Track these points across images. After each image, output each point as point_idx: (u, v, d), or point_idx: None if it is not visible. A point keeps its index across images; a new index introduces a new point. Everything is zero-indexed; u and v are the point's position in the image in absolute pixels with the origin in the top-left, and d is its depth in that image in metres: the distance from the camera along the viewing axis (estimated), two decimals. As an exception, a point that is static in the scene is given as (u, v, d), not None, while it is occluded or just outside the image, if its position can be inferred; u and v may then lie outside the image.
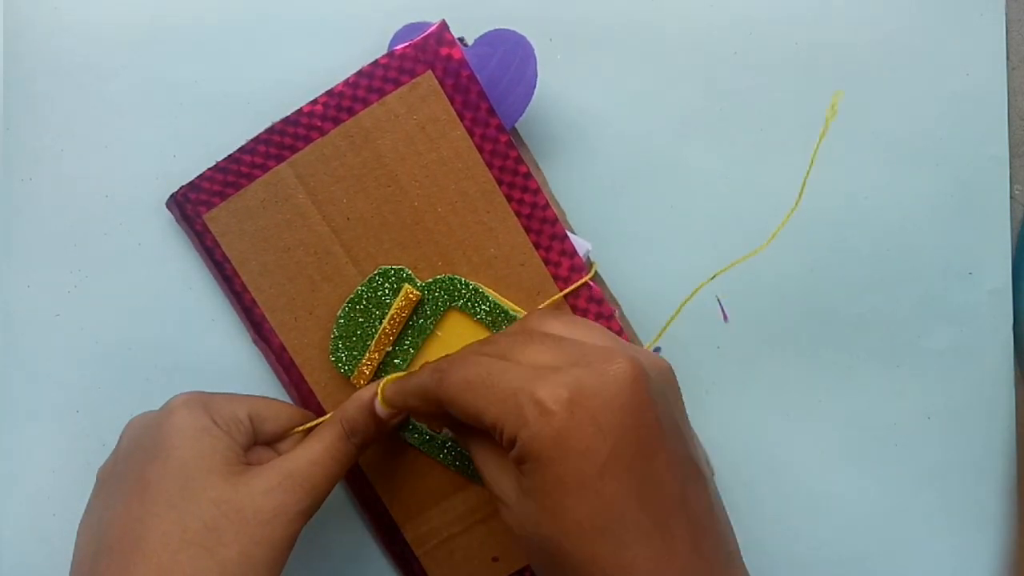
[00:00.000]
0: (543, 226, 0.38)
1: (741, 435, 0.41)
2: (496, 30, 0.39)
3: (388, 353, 0.39)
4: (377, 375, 0.39)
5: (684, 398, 0.32)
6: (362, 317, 0.39)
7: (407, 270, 0.38)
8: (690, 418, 0.33)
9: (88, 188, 0.41)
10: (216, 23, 0.41)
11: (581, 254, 0.38)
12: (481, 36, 0.39)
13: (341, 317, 0.39)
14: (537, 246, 0.38)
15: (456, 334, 0.39)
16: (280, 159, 0.38)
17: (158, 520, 0.31)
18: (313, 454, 0.34)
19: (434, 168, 0.38)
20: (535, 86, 0.38)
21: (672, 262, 0.41)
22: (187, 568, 0.31)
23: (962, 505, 0.41)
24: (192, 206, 0.39)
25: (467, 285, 0.38)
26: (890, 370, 0.41)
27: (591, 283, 0.38)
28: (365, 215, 0.38)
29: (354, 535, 0.42)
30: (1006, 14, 0.41)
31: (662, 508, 0.28)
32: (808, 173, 0.39)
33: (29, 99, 0.41)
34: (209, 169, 0.38)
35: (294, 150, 0.38)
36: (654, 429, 0.29)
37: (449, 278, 0.38)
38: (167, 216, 0.40)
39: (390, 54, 0.37)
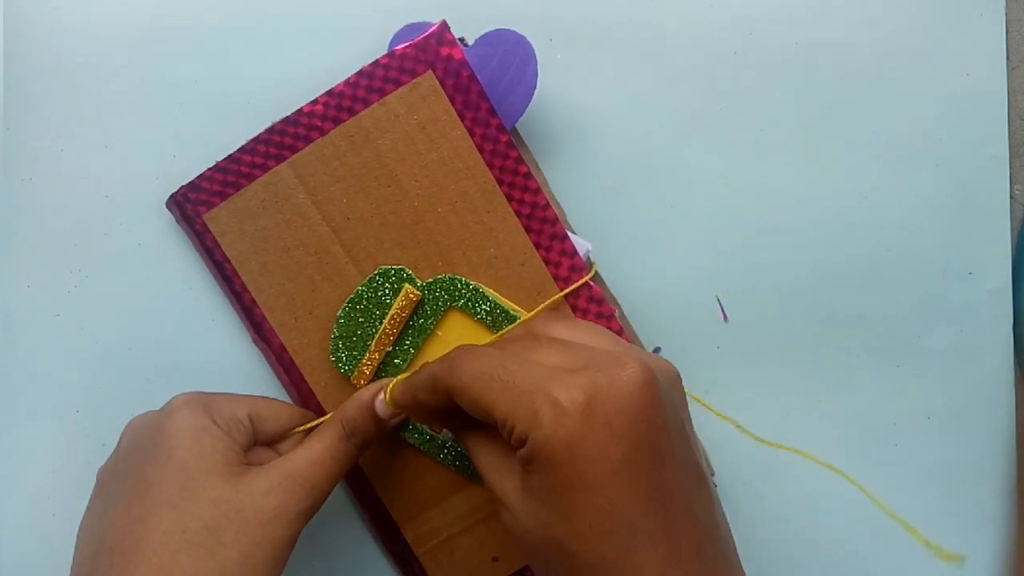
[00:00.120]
0: (543, 226, 0.38)
1: (741, 435, 0.41)
2: (496, 30, 0.39)
3: (388, 353, 0.39)
4: (377, 375, 0.39)
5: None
6: (362, 317, 0.39)
7: (407, 270, 0.38)
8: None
9: (88, 188, 0.41)
10: (216, 23, 0.41)
11: (581, 254, 0.38)
12: (481, 36, 0.39)
13: (341, 317, 0.39)
14: (537, 246, 0.38)
15: (456, 334, 0.39)
16: (280, 159, 0.38)
17: (158, 520, 0.31)
18: (313, 454, 0.34)
19: (434, 168, 0.38)
20: (535, 86, 0.38)
21: (672, 262, 0.41)
22: (187, 568, 0.31)
23: (962, 505, 0.41)
24: (192, 206, 0.39)
25: (467, 285, 0.38)
26: (890, 370, 0.41)
27: (591, 283, 0.38)
28: (365, 215, 0.38)
29: (354, 535, 0.42)
30: (1006, 14, 0.41)
31: (669, 513, 0.28)
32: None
33: (29, 99, 0.41)
34: (209, 169, 0.38)
35: (294, 150, 0.38)
36: (663, 434, 0.29)
37: (449, 278, 0.38)
38: (167, 216, 0.40)
39: (390, 54, 0.37)
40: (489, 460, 0.31)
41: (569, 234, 0.38)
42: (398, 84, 0.37)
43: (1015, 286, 0.41)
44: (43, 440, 0.42)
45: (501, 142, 0.37)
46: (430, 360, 0.39)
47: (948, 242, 0.41)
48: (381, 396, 0.36)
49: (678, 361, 0.34)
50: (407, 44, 0.37)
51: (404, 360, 0.39)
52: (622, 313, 0.40)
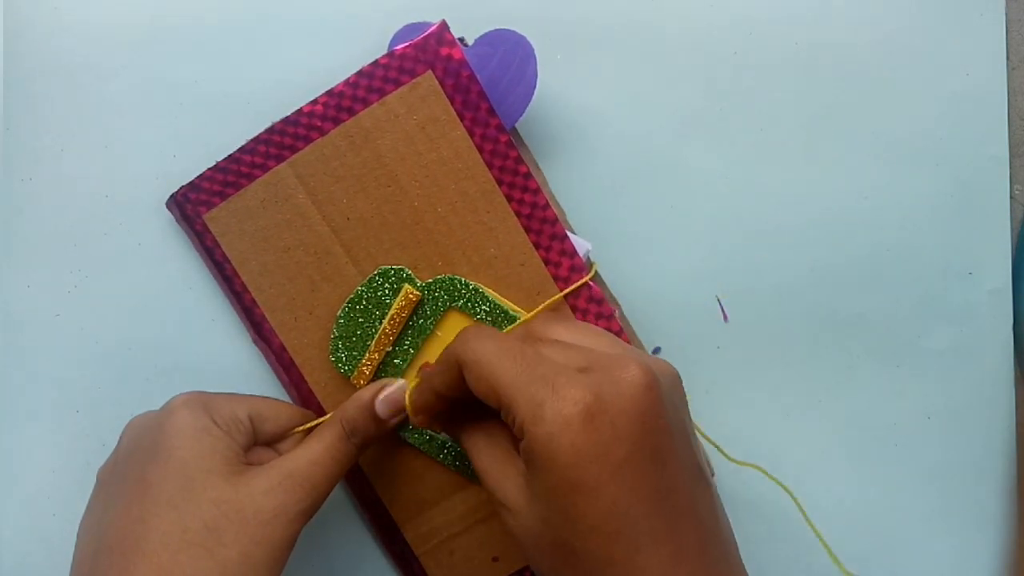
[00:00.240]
0: (543, 226, 0.38)
1: (741, 435, 0.41)
2: (496, 30, 0.39)
3: (388, 353, 0.39)
4: (377, 375, 0.39)
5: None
6: (362, 317, 0.39)
7: (407, 270, 0.38)
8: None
9: (88, 188, 0.41)
10: (216, 23, 0.41)
11: (581, 254, 0.38)
12: (481, 36, 0.39)
13: (341, 317, 0.39)
14: (537, 246, 0.38)
15: (456, 334, 0.39)
16: (280, 159, 0.38)
17: (158, 520, 0.31)
18: (313, 454, 0.34)
19: (434, 168, 0.38)
20: (535, 86, 0.38)
21: (672, 262, 0.41)
22: (187, 568, 0.31)
23: (962, 505, 0.41)
24: (192, 206, 0.39)
25: (467, 285, 0.38)
26: (890, 370, 0.41)
27: (591, 283, 0.38)
28: (365, 215, 0.38)
29: (354, 535, 0.42)
30: (1006, 14, 0.41)
31: (673, 512, 0.28)
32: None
33: (29, 99, 0.41)
34: (209, 169, 0.38)
35: (294, 150, 0.38)
36: (665, 435, 0.29)
37: (449, 278, 0.38)
38: (167, 216, 0.40)
39: (390, 54, 0.37)
40: (490, 463, 0.31)
41: (569, 234, 0.38)
42: (398, 84, 0.37)
43: (1015, 286, 0.41)
44: (43, 440, 0.42)
45: (501, 142, 0.37)
46: (430, 360, 0.39)
47: (948, 242, 0.41)
48: (381, 396, 0.36)
49: (678, 361, 0.34)
50: (407, 44, 0.37)
51: (404, 360, 0.39)
52: (622, 313, 0.40)
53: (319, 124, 0.38)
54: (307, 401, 0.40)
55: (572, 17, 0.41)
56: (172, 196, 0.39)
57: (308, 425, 0.38)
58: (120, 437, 0.36)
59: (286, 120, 0.38)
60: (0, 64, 0.41)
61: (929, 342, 0.41)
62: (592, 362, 0.30)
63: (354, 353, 0.39)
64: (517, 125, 0.39)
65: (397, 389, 0.36)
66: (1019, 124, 0.41)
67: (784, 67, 0.41)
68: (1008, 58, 0.41)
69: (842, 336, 0.41)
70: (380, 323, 0.38)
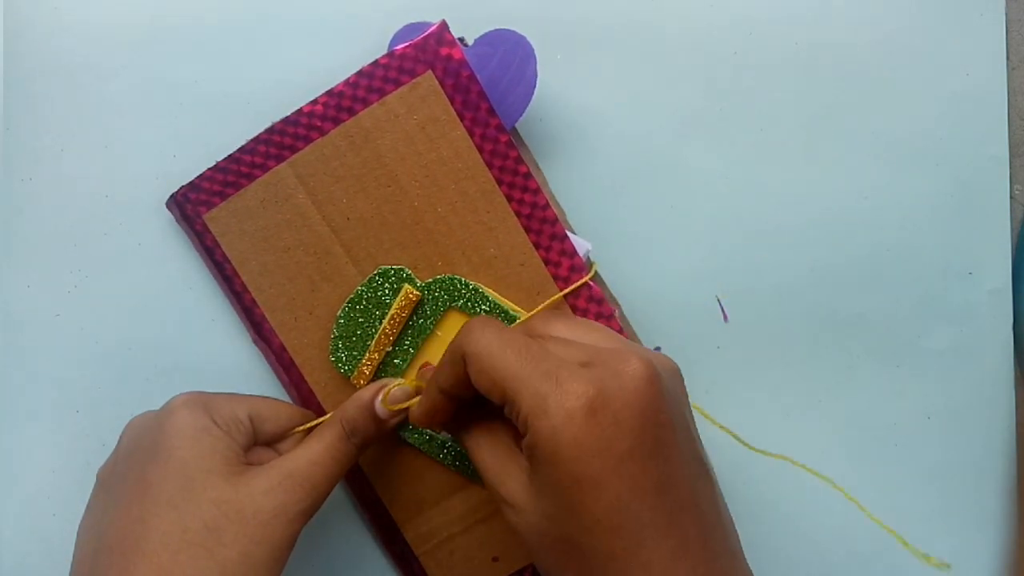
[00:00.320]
0: (543, 226, 0.38)
1: (741, 435, 0.41)
2: (496, 30, 0.39)
3: (388, 353, 0.39)
4: (377, 375, 0.39)
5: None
6: (362, 317, 0.39)
7: (407, 270, 0.38)
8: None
9: (88, 188, 0.41)
10: (216, 23, 0.41)
11: (581, 254, 0.38)
12: (481, 36, 0.39)
13: (341, 317, 0.39)
14: (537, 246, 0.38)
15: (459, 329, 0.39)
16: (280, 159, 0.38)
17: (158, 520, 0.31)
18: (313, 454, 0.34)
19: (434, 168, 0.38)
20: (535, 86, 0.38)
21: (672, 262, 0.41)
22: (187, 568, 0.31)
23: (962, 505, 0.41)
24: (192, 206, 0.39)
25: (467, 285, 0.38)
26: (890, 370, 0.41)
27: (591, 283, 0.38)
28: (365, 215, 0.38)
29: (354, 535, 0.42)
30: (1006, 14, 0.41)
31: (676, 506, 0.28)
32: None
33: (29, 99, 0.41)
34: (209, 169, 0.38)
35: (294, 150, 0.38)
36: (667, 429, 0.29)
37: (449, 278, 0.38)
38: (167, 216, 0.40)
39: (390, 54, 0.37)
40: (492, 460, 0.31)
41: (569, 234, 0.38)
42: (398, 84, 0.37)
43: (1015, 286, 0.41)
44: (43, 440, 0.42)
45: (501, 142, 0.37)
46: (430, 360, 0.39)
47: (948, 242, 0.41)
48: (381, 396, 0.36)
49: (678, 361, 0.34)
50: (407, 44, 0.37)
51: (404, 360, 0.39)
52: (622, 313, 0.40)
53: (319, 124, 0.38)
54: (307, 401, 0.40)
55: (572, 17, 0.41)
56: (172, 196, 0.39)
57: (308, 425, 0.38)
58: (120, 437, 0.36)
59: (286, 120, 0.38)
60: (0, 64, 0.41)
61: (929, 342, 0.41)
62: (594, 356, 0.30)
63: (354, 353, 0.39)
64: (517, 125, 0.39)
65: (397, 389, 0.36)
66: (1019, 124, 0.41)
67: (784, 67, 0.41)
68: (1008, 58, 0.41)
69: (842, 336, 0.41)
70: (380, 323, 0.38)
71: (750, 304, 0.41)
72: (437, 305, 0.38)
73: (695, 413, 0.40)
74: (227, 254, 0.39)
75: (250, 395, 0.37)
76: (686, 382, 0.33)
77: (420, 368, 0.39)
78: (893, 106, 0.41)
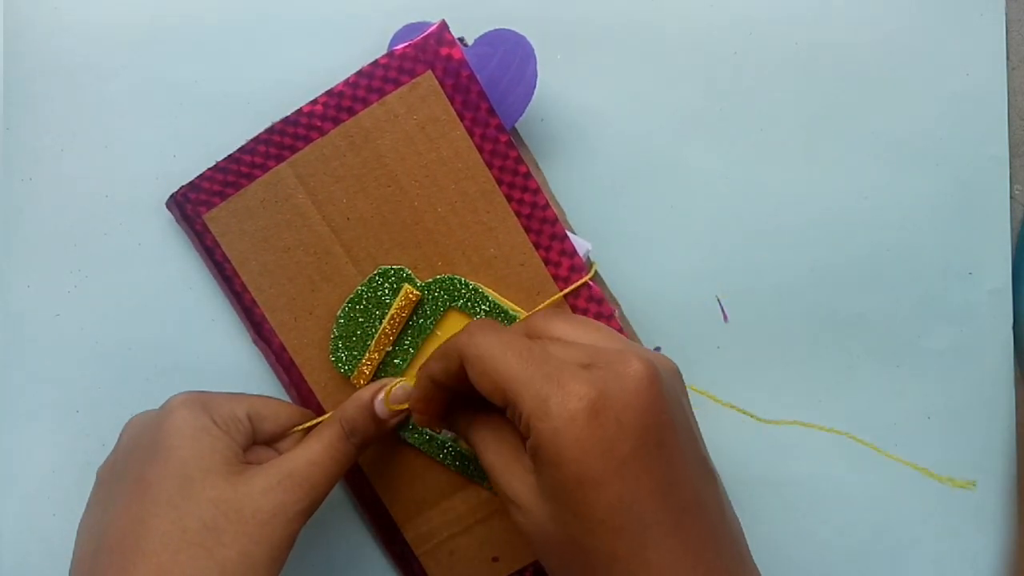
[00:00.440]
0: (543, 226, 0.38)
1: (741, 435, 0.41)
2: (496, 30, 0.39)
3: (388, 353, 0.39)
4: (377, 375, 0.39)
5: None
6: (362, 317, 0.39)
7: (407, 270, 0.38)
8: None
9: (88, 188, 0.41)
10: (216, 23, 0.41)
11: (581, 254, 0.38)
12: (481, 36, 0.39)
13: (341, 317, 0.39)
14: (537, 246, 0.38)
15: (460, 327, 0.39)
16: (280, 159, 0.38)
17: (158, 520, 0.31)
18: (312, 454, 0.34)
19: (434, 168, 0.38)
20: (535, 86, 0.38)
21: (672, 262, 0.41)
22: (187, 568, 0.31)
23: (962, 505, 0.41)
24: (192, 206, 0.39)
25: (467, 285, 0.38)
26: (890, 370, 0.41)
27: (591, 283, 0.38)
28: (365, 215, 0.38)
29: (354, 535, 0.42)
30: (1006, 14, 0.41)
31: (680, 507, 0.28)
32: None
33: (29, 99, 0.41)
34: (209, 169, 0.38)
35: (294, 150, 0.38)
36: (669, 429, 0.29)
37: (449, 278, 0.38)
38: (167, 216, 0.40)
39: (390, 54, 0.37)
40: (498, 460, 0.31)
41: (569, 234, 0.38)
42: (398, 84, 0.37)
43: (1015, 286, 0.41)
44: (43, 440, 0.42)
45: (501, 142, 0.37)
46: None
47: (948, 242, 0.41)
48: (380, 396, 0.36)
49: (678, 361, 0.34)
50: (407, 44, 0.37)
51: (404, 360, 0.39)
52: (622, 313, 0.40)
53: (319, 124, 0.38)
54: (307, 401, 0.40)
55: (572, 17, 0.41)
56: (172, 196, 0.39)
57: (307, 424, 0.38)
58: (119, 436, 0.36)
59: (286, 120, 0.38)
60: (0, 64, 0.41)
61: (929, 342, 0.41)
62: (595, 358, 0.30)
63: (354, 353, 0.39)
64: (517, 125, 0.39)
65: (398, 388, 0.36)
66: (1019, 124, 0.41)
67: (784, 67, 0.41)
68: (1008, 58, 0.41)
69: (842, 336, 0.41)
70: (380, 323, 0.38)
71: (750, 304, 0.41)
72: (437, 305, 0.38)
73: (702, 398, 0.41)
74: (227, 254, 0.39)
75: (249, 394, 0.37)
76: (686, 382, 0.33)
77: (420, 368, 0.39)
78: (893, 106, 0.41)
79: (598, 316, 0.38)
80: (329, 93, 0.37)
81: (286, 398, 0.41)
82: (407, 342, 0.39)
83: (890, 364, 0.41)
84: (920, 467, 0.39)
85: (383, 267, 0.38)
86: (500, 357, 0.30)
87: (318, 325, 0.39)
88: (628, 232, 0.41)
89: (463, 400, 0.33)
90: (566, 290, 0.38)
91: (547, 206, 0.38)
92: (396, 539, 0.40)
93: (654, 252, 0.41)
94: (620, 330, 0.38)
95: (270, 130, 0.38)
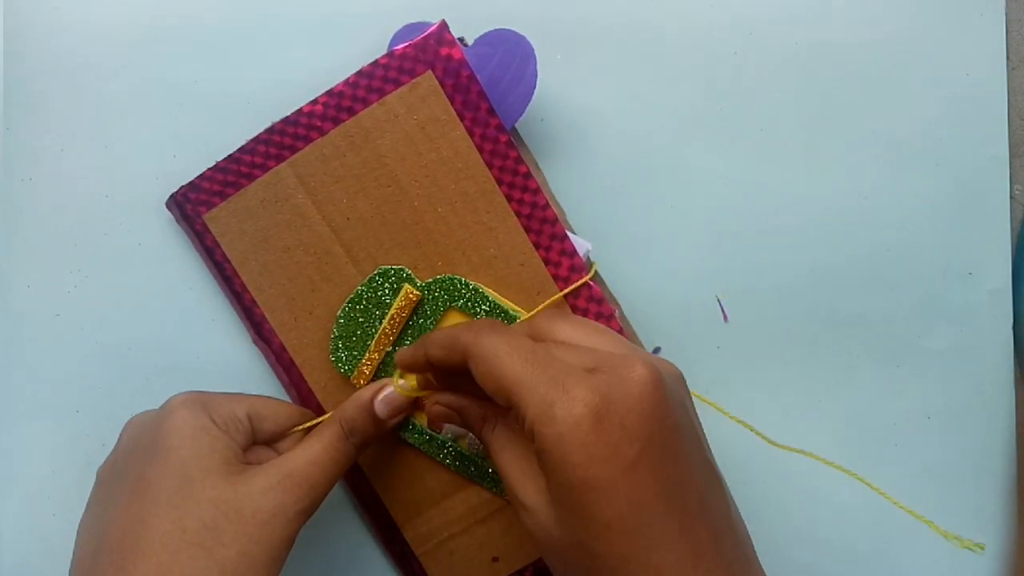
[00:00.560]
0: (543, 226, 0.38)
1: (741, 435, 0.41)
2: (496, 30, 0.39)
3: (388, 353, 0.39)
4: (377, 375, 0.39)
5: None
6: (362, 317, 0.39)
7: (407, 270, 0.38)
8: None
9: (88, 188, 0.41)
10: (216, 23, 0.41)
11: (581, 254, 0.38)
12: (481, 36, 0.39)
13: (341, 317, 0.39)
14: (537, 246, 0.38)
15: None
16: (280, 159, 0.38)
17: (157, 520, 0.31)
18: (312, 454, 0.34)
19: (434, 168, 0.38)
20: (535, 86, 0.38)
21: (672, 262, 0.41)
22: (186, 567, 0.31)
23: (962, 505, 0.41)
24: (192, 206, 0.39)
25: (467, 285, 0.38)
26: (890, 370, 0.41)
27: (591, 283, 0.38)
28: (365, 215, 0.38)
29: (354, 535, 0.42)
30: (1006, 14, 0.41)
31: (686, 511, 0.28)
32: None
33: (29, 99, 0.41)
34: (209, 169, 0.38)
35: (294, 150, 0.38)
36: (674, 433, 0.29)
37: (449, 278, 0.38)
38: (167, 216, 0.40)
39: (390, 54, 0.37)
40: (512, 462, 0.31)
41: (569, 234, 0.38)
42: (398, 84, 0.37)
43: (1015, 286, 0.41)
44: (43, 440, 0.42)
45: (501, 142, 0.37)
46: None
47: (948, 242, 0.41)
48: (380, 396, 0.36)
49: (678, 361, 0.34)
50: (407, 44, 0.37)
51: (404, 360, 0.39)
52: (622, 313, 0.40)
53: (319, 124, 0.38)
54: (307, 401, 0.40)
55: (572, 17, 0.41)
56: (172, 196, 0.39)
57: (307, 424, 0.38)
58: (119, 436, 0.36)
59: (286, 120, 0.38)
60: (0, 64, 0.41)
61: (929, 342, 0.41)
62: (599, 362, 0.30)
63: (354, 353, 0.39)
64: (517, 125, 0.39)
65: (398, 388, 0.36)
66: (1019, 124, 0.41)
67: (784, 67, 0.41)
68: (1008, 58, 0.41)
69: (842, 336, 0.41)
70: (380, 323, 0.38)
71: (750, 304, 0.41)
72: (437, 305, 0.38)
73: (708, 408, 0.41)
74: (227, 254, 0.39)
75: (249, 395, 0.37)
76: (687, 382, 0.33)
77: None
78: (893, 106, 0.41)
79: (598, 316, 0.38)
80: (329, 93, 0.37)
81: (286, 398, 0.41)
82: (407, 342, 0.39)
83: (890, 364, 0.41)
84: (927, 519, 0.39)
85: (383, 267, 0.38)
86: (506, 359, 0.30)
87: (318, 325, 0.39)
88: (628, 232, 0.41)
89: (478, 399, 0.33)
90: (566, 290, 0.38)
91: (547, 206, 0.38)
92: (396, 539, 0.40)
93: (654, 252, 0.41)
94: (620, 330, 0.38)
95: (270, 130, 0.38)
